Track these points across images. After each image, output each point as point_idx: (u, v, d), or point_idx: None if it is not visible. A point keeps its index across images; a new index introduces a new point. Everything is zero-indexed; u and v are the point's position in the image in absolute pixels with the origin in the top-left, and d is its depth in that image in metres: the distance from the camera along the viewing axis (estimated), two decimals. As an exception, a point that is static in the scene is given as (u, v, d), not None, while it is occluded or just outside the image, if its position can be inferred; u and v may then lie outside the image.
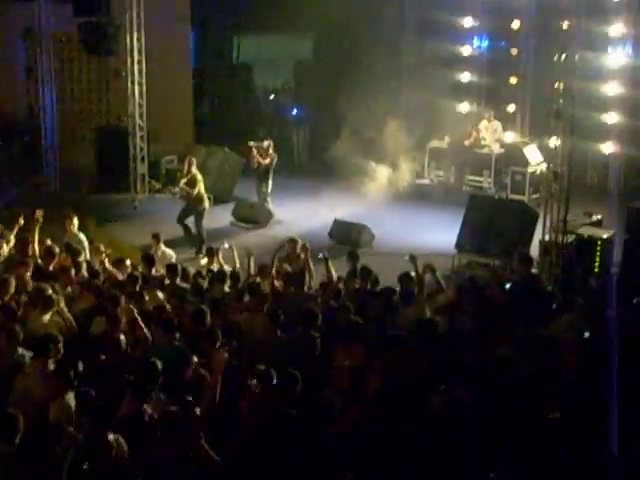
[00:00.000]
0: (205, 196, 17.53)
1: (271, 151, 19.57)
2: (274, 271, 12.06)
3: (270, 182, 19.58)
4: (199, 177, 17.45)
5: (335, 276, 12.35)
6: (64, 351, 8.64)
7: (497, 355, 8.98)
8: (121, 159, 21.54)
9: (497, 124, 22.11)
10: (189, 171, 17.47)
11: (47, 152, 21.89)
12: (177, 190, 18.39)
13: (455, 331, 10.07)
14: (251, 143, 19.78)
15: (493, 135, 21.97)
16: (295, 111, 26.01)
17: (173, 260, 13.94)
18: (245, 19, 25.02)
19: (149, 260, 12.86)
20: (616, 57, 21.43)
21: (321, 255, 12.61)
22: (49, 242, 13.13)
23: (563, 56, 15.25)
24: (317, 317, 9.96)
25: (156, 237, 14.47)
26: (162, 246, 14.43)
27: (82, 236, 14.26)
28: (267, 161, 19.46)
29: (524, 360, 8.68)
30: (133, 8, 20.64)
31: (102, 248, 13.10)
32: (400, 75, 24.55)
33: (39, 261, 12.44)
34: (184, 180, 17.45)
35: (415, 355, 9.01)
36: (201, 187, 17.43)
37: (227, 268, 13.03)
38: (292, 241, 13.53)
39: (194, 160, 17.86)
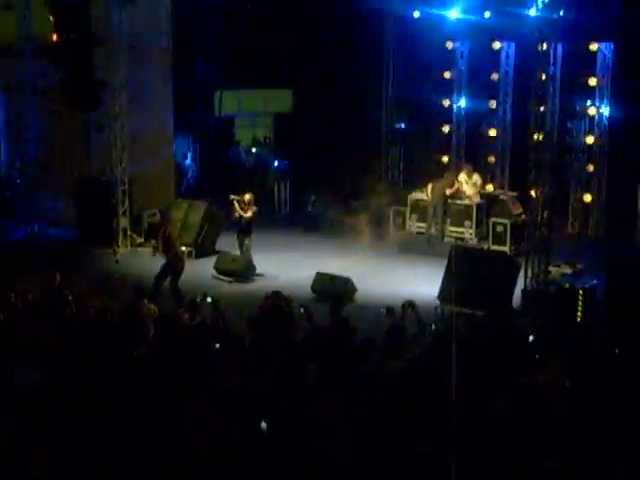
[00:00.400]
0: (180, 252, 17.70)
1: (252, 204, 19.60)
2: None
3: (252, 235, 19.58)
4: (174, 234, 17.61)
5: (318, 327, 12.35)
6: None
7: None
8: (103, 213, 21.52)
9: (477, 177, 22.22)
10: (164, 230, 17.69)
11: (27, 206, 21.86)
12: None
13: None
14: (232, 196, 19.80)
15: (474, 188, 22.09)
16: (276, 163, 26.15)
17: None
18: (226, 73, 25.21)
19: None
20: (595, 107, 21.70)
21: (302, 310, 12.60)
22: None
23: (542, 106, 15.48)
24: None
25: (139, 291, 14.44)
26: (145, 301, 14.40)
27: (66, 291, 14.21)
28: (249, 214, 19.48)
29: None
30: (116, 63, 20.78)
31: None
32: (379, 128, 24.84)
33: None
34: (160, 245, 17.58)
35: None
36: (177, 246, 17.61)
37: None
38: (275, 294, 13.51)
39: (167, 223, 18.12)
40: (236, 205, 19.54)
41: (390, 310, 11.93)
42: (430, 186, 21.71)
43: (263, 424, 8.27)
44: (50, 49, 20.55)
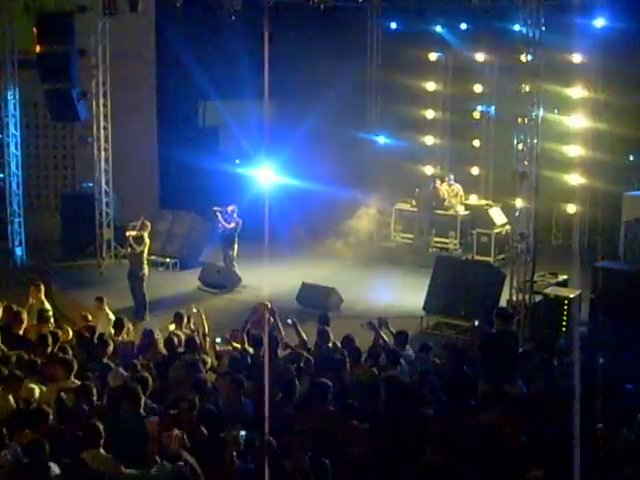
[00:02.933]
0: (146, 262, 17.55)
1: (236, 215, 19.57)
2: (245, 336, 12.05)
3: (236, 246, 19.54)
4: (147, 241, 17.47)
5: (306, 339, 12.35)
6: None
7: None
8: (87, 225, 21.44)
9: (458, 187, 22.31)
10: (141, 230, 17.46)
11: (12, 220, 21.70)
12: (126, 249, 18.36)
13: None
14: (215, 208, 19.77)
15: (455, 198, 22.15)
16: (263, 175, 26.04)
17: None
18: (211, 84, 25.16)
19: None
20: (578, 119, 21.79)
21: (289, 321, 12.58)
22: (16, 307, 13.07)
23: (525, 119, 15.54)
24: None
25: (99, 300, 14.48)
26: (106, 309, 14.44)
27: (47, 305, 14.16)
28: (232, 225, 19.46)
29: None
30: (99, 75, 20.75)
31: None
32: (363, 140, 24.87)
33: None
34: (133, 234, 17.46)
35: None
36: (145, 250, 17.45)
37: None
38: (262, 305, 13.45)
39: (149, 225, 17.88)
40: (219, 216, 19.51)
41: (372, 324, 12.00)
42: (416, 197, 21.79)
43: (242, 433, 8.24)
44: (34, 61, 20.50)
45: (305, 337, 12.40)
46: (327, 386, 9.67)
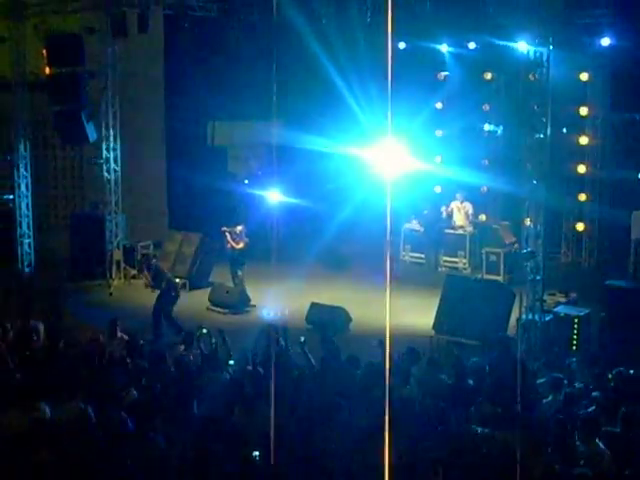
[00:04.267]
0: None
1: (244, 235, 19.63)
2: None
3: (244, 266, 19.58)
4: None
5: (313, 360, 12.33)
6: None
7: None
8: (96, 245, 21.49)
9: (468, 206, 22.31)
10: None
11: (22, 240, 21.74)
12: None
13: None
14: (224, 228, 19.82)
15: (466, 217, 22.15)
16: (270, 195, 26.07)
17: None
18: (219, 105, 25.25)
19: None
20: (586, 137, 21.80)
21: (302, 339, 12.59)
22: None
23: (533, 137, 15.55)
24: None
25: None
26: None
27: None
28: (240, 245, 19.50)
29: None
30: (108, 96, 20.86)
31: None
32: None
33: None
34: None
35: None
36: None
37: None
38: (271, 327, 13.48)
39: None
40: (228, 237, 19.55)
41: (382, 342, 11.93)
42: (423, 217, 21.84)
43: (255, 453, 8.25)
44: (43, 83, 20.63)
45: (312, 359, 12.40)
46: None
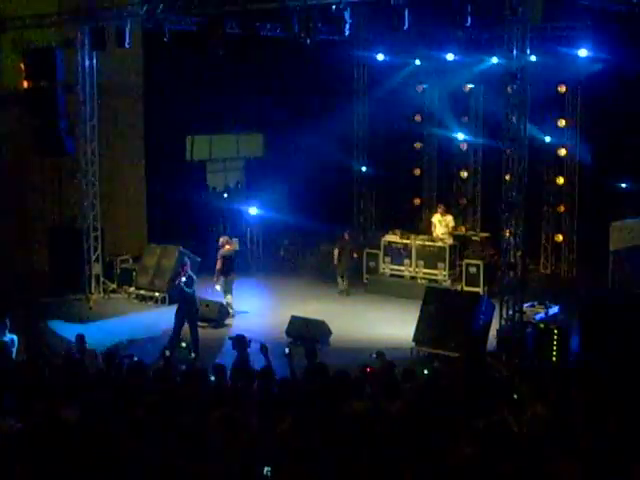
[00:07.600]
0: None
1: (227, 246, 19.82)
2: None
3: (232, 274, 19.72)
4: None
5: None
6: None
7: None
8: (75, 259, 21.35)
9: (449, 218, 22.33)
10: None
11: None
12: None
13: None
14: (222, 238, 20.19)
15: (446, 229, 22.17)
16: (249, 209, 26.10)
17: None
18: (198, 119, 25.25)
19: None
20: (564, 149, 21.94)
21: (287, 350, 12.51)
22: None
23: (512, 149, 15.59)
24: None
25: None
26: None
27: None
28: (235, 245, 20.06)
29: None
30: (86, 110, 20.78)
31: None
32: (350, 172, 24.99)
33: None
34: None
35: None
36: None
37: None
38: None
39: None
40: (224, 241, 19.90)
41: (381, 354, 11.90)
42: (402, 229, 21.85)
43: (267, 469, 8.12)
44: (20, 96, 20.55)
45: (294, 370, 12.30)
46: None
